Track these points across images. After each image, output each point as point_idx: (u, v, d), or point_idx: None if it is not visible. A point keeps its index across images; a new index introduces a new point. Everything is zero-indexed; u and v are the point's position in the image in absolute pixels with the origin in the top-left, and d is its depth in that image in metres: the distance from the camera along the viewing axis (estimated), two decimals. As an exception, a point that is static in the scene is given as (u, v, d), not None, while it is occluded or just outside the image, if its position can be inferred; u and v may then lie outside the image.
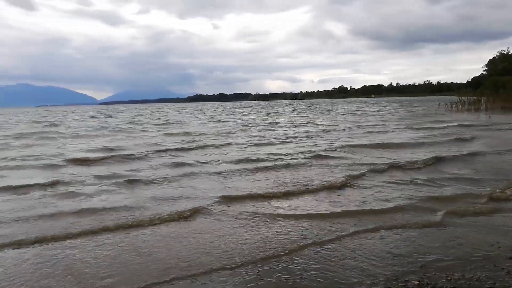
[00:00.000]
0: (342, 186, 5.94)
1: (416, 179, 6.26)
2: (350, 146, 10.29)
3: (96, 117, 36.92)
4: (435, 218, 4.28)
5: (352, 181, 6.22)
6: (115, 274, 3.11)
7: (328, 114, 30.99)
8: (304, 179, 6.51)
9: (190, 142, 12.42)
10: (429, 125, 16.57)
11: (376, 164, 7.51)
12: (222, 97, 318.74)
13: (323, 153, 9.10)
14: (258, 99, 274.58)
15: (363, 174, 6.65)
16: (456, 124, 16.31)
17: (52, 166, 8.18)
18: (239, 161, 8.42)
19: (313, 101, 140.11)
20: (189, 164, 8.12)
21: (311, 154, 9.05)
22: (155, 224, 4.32)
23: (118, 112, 54.31)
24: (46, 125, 24.03)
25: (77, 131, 18.48)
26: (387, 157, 8.50)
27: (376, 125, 17.56)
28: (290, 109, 48.64)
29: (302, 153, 9.34)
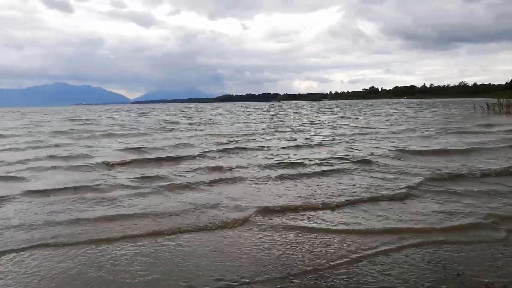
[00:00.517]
0: (402, 197, 5.33)
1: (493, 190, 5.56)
2: (399, 151, 9.45)
3: (128, 116, 37.57)
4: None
5: (411, 191, 5.59)
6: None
7: (363, 115, 29.96)
8: (351, 187, 5.94)
9: (225, 143, 12.01)
10: (476, 129, 15.41)
11: (433, 172, 6.81)
12: (250, 97, 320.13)
13: (368, 159, 8.41)
14: (286, 100, 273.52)
15: (420, 184, 5.98)
16: (508, 128, 15.05)
17: (88, 167, 8.01)
18: (277, 165, 7.93)
19: (344, 101, 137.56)
20: (225, 169, 7.66)
21: (355, 159, 8.41)
22: (192, 231, 4.11)
23: (151, 110, 55.34)
24: (81, 123, 24.58)
25: (111, 129, 18.73)
26: (445, 164, 7.75)
27: (419, 128, 16.46)
28: (323, 110, 47.82)
29: (343, 157, 8.73)
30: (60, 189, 5.96)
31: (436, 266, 3.20)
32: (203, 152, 9.83)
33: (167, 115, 39.03)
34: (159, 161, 8.71)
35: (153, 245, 3.75)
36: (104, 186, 6.24)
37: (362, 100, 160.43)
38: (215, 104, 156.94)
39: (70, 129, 18.96)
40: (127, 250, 3.64)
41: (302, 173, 7.06)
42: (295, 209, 4.87)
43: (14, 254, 3.54)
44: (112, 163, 8.29)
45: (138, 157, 9.19)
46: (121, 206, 5.11)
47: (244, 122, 23.99)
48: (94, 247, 3.72)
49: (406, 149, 9.78)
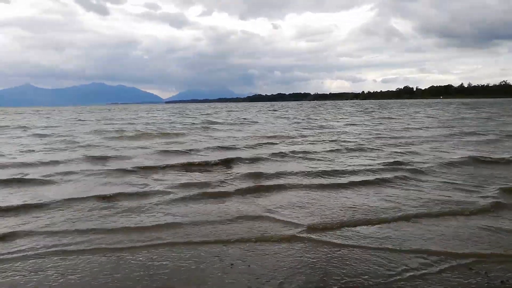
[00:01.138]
0: (475, 212, 4.58)
1: None
2: (466, 157, 8.31)
3: (171, 114, 37.90)
4: None
5: (488, 204, 4.83)
6: None
7: (407, 116, 28.62)
8: (410, 199, 5.22)
9: (270, 145, 11.47)
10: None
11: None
12: (280, 97, 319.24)
13: (428, 166, 7.55)
14: (317, 99, 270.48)
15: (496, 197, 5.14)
16: None
17: (126, 171, 7.67)
18: (325, 172, 7.21)
19: (378, 101, 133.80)
20: (271, 175, 7.04)
21: (411, 166, 7.57)
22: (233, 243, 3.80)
23: (187, 110, 56.05)
24: (126, 123, 24.89)
25: (149, 128, 18.82)
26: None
27: (477, 132, 14.75)
28: (359, 109, 46.45)
29: (399, 164, 7.92)
30: (97, 197, 5.56)
31: None
32: (249, 157, 9.21)
33: (202, 114, 39.24)
34: (203, 166, 8.28)
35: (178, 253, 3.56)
36: (143, 191, 5.92)
37: (397, 100, 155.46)
38: (247, 104, 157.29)
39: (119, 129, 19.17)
40: (167, 257, 3.45)
41: (353, 182, 6.36)
42: (346, 224, 4.30)
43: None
44: (150, 166, 8.06)
45: (182, 161, 8.70)
46: (161, 213, 4.78)
47: (287, 123, 23.25)
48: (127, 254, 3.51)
49: (474, 156, 8.58)
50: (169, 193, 5.76)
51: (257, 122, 24.33)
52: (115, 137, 14.99)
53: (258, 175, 7.06)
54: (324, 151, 10.13)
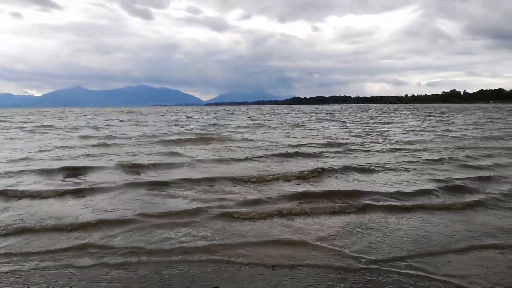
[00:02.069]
0: None
1: None
2: None
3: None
4: None
5: None
6: None
7: (472, 121, 26.63)
8: None
9: (338, 155, 10.79)
10: None
11: None
12: (320, 100, 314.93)
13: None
14: (358, 102, 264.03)
15: None
16: None
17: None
18: (409, 194, 6.34)
19: (424, 105, 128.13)
20: (349, 193, 6.34)
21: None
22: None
23: (232, 111, 55.85)
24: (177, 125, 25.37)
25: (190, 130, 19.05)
26: None
27: None
28: (409, 113, 44.07)
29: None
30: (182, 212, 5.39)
31: None
32: (319, 169, 8.15)
33: (248, 117, 39.26)
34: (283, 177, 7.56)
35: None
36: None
37: (444, 104, 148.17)
38: (285, 107, 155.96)
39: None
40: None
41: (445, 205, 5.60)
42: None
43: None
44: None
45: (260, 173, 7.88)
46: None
47: (339, 127, 22.93)
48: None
49: None
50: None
51: (324, 127, 23.29)
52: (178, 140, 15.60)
53: (340, 194, 6.27)
54: (402, 162, 9.44)
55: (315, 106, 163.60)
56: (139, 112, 69.10)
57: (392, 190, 6.52)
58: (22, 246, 4.07)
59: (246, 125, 24.94)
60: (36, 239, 4.25)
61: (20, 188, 6.60)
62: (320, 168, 8.16)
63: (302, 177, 7.53)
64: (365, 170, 8.37)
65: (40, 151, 11.85)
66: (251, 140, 15.08)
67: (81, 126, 25.22)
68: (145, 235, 4.37)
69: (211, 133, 18.48)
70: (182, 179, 7.18)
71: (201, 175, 7.63)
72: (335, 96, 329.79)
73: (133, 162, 9.10)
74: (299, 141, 14.54)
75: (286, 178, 7.45)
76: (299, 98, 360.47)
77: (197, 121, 30.38)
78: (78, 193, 6.34)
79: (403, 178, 7.56)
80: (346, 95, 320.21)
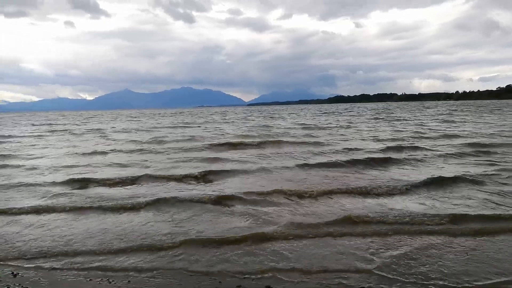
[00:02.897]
0: None
1: None
2: None
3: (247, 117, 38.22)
4: None
5: None
6: None
7: None
8: None
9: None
10: None
11: None
12: (364, 98, 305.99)
13: None
14: (404, 100, 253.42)
15: None
16: None
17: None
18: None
19: (478, 102, 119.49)
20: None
21: None
22: None
23: (278, 112, 55.55)
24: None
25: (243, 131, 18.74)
26: None
27: None
28: (473, 110, 40.09)
29: None
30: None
31: None
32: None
33: (298, 115, 38.11)
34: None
35: None
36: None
37: (499, 101, 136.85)
38: (335, 105, 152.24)
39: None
40: None
41: None
42: None
43: None
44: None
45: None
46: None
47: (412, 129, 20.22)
48: None
49: None
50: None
51: (378, 127, 22.04)
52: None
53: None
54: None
55: (359, 104, 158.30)
56: (192, 113, 70.59)
57: None
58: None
59: (305, 125, 24.18)
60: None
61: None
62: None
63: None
64: None
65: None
66: (319, 143, 13.95)
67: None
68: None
69: (275, 134, 17.92)
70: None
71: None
72: (380, 93, 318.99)
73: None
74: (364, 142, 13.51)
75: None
76: (342, 96, 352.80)
77: (247, 122, 29.87)
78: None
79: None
80: (392, 92, 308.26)
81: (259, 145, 13.59)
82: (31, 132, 24.40)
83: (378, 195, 6.20)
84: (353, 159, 9.66)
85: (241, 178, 7.89)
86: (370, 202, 5.82)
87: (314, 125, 24.83)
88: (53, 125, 33.93)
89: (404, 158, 9.79)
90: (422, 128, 20.19)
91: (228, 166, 9.18)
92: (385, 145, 12.60)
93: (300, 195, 6.21)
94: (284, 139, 15.35)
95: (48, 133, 23.13)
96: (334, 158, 10.13)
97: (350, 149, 11.71)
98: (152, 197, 6.23)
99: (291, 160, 10.12)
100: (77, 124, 35.15)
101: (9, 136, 21.18)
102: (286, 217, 5.08)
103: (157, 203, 5.86)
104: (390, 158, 9.77)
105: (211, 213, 5.39)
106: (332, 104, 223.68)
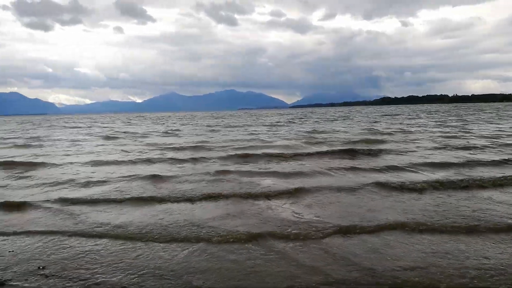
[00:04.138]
0: None
1: None
2: None
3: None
4: None
5: None
6: None
7: None
8: None
9: None
10: None
11: None
12: (412, 100, 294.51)
13: None
14: (456, 102, 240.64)
15: None
16: None
17: None
18: None
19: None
20: None
21: None
22: None
23: (326, 113, 54.99)
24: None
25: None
26: None
27: None
28: None
29: None
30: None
31: None
32: None
33: (348, 118, 37.02)
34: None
35: None
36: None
37: None
38: (378, 107, 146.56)
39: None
40: None
41: None
42: None
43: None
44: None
45: None
46: None
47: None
48: None
49: None
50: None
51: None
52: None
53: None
54: None
55: (412, 106, 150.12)
56: (239, 115, 71.71)
57: None
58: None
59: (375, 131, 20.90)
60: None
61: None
62: None
63: None
64: None
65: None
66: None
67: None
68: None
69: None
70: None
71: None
72: (429, 95, 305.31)
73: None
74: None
75: None
76: (389, 98, 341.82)
77: (299, 126, 29.96)
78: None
79: None
80: (443, 93, 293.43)
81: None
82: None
83: None
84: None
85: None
86: None
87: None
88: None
89: None
90: None
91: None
92: None
93: None
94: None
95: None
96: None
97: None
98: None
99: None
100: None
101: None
102: None
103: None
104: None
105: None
106: (385, 106, 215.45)
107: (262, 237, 4.25)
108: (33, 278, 3.37)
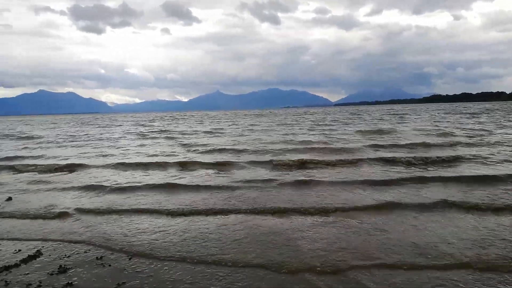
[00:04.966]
0: None
1: None
2: None
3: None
4: None
5: None
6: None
7: None
8: None
9: None
10: None
11: None
12: (465, 97, 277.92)
13: None
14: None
15: None
16: None
17: None
18: None
19: None
20: None
21: None
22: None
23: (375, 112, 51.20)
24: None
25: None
26: None
27: None
28: None
29: None
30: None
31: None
32: None
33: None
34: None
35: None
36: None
37: None
38: (433, 105, 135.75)
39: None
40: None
41: None
42: None
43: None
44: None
45: None
46: None
47: None
48: None
49: None
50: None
51: None
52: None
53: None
54: None
55: (466, 104, 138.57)
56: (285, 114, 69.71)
57: None
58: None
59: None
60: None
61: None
62: None
63: None
64: None
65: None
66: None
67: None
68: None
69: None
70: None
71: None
72: (484, 92, 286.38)
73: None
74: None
75: None
76: (439, 95, 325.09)
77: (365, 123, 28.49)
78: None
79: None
80: (500, 90, 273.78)
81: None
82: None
83: None
84: None
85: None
86: None
87: None
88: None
89: None
90: None
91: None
92: None
93: None
94: None
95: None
96: None
97: None
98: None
99: None
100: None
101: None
102: None
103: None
104: None
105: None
106: (434, 103, 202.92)
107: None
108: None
